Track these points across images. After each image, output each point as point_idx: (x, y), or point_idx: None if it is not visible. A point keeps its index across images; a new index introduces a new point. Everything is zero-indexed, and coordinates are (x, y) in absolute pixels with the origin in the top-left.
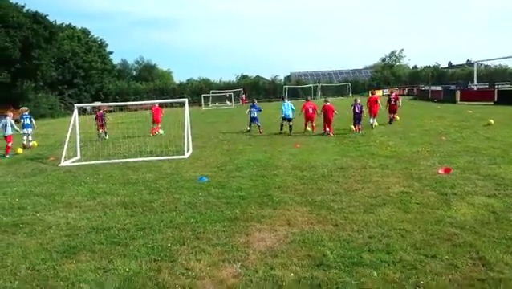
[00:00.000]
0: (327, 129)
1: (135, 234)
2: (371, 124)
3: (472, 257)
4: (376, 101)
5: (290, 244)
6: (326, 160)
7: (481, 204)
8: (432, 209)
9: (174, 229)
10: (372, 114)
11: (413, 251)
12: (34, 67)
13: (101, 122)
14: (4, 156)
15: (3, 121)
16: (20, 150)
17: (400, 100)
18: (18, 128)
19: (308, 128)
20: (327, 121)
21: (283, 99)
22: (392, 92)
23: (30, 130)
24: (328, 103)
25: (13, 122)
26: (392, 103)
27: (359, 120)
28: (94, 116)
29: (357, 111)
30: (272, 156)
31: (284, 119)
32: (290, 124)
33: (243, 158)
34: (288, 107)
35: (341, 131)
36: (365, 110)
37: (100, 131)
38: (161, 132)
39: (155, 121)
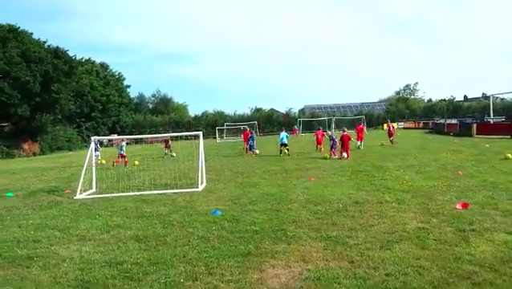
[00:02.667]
0: (344, 154)
1: (148, 268)
2: (358, 146)
3: None
4: (362, 130)
5: (305, 281)
6: (341, 195)
7: (500, 241)
8: (451, 245)
9: (187, 264)
10: (359, 139)
11: None
12: (53, 101)
13: (168, 144)
14: (118, 166)
15: (121, 144)
16: (136, 162)
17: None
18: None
19: (318, 150)
20: (345, 147)
21: (282, 130)
22: (389, 123)
23: (97, 153)
24: (345, 133)
25: (124, 145)
26: (390, 129)
27: (335, 147)
28: (163, 142)
29: (334, 139)
30: (286, 190)
31: (282, 145)
32: (287, 147)
33: (257, 192)
34: (284, 136)
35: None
36: (353, 138)
37: (167, 150)
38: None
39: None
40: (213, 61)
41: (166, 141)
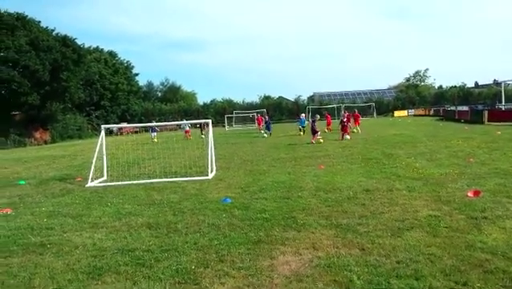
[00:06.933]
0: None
1: (159, 255)
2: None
3: (505, 285)
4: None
5: (316, 268)
6: (351, 182)
7: None
8: (462, 233)
9: (198, 252)
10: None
11: (443, 278)
12: (63, 89)
13: (202, 128)
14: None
15: (185, 124)
16: (191, 137)
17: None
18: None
19: (325, 130)
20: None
21: (300, 116)
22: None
23: (154, 134)
24: (347, 114)
25: (188, 124)
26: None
27: (315, 133)
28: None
29: (314, 126)
30: (296, 178)
31: (301, 126)
32: (304, 129)
33: (267, 179)
34: (303, 120)
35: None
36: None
37: (203, 132)
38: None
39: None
40: (221, 49)
41: (202, 126)
